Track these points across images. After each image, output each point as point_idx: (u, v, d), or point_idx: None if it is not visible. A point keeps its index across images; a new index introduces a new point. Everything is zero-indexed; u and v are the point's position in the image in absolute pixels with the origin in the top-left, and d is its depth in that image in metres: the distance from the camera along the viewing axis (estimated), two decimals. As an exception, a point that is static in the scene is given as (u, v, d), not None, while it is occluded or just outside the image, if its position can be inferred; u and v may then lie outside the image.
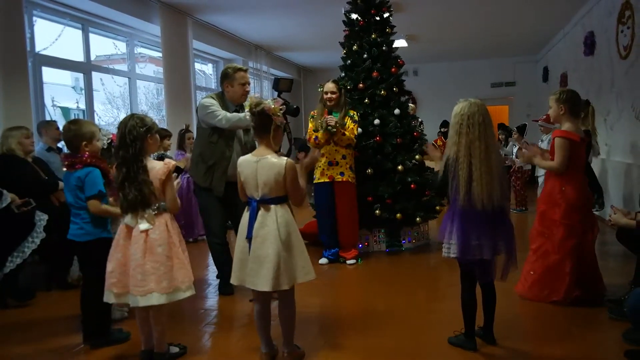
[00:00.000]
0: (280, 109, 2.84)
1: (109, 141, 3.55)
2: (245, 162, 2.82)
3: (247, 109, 2.90)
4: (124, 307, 3.64)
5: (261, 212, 2.75)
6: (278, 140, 2.89)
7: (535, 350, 3.03)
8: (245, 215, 2.82)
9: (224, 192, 4.04)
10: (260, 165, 2.75)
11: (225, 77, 4.09)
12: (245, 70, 4.14)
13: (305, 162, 2.95)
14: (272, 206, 2.75)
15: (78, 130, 3.15)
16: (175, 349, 3.02)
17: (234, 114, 3.96)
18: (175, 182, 2.93)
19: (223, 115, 3.90)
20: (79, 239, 3.14)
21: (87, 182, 3.06)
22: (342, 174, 4.97)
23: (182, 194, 6.19)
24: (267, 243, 2.70)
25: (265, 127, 2.80)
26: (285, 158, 2.79)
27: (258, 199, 2.76)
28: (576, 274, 3.64)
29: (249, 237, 2.74)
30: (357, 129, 5.02)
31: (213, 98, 4.08)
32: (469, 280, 2.97)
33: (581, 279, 3.67)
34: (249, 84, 4.15)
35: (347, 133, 4.88)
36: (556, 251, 3.67)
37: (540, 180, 5.88)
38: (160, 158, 4.69)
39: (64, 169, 3.21)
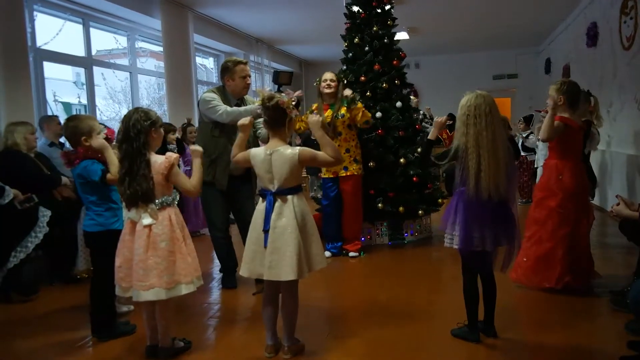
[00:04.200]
0: (293, 101, 2.86)
1: (103, 137, 3.54)
2: (258, 156, 2.83)
3: (258, 103, 2.90)
4: (129, 303, 3.67)
5: (278, 203, 2.76)
6: (290, 132, 2.92)
7: (538, 341, 3.04)
8: (260, 207, 2.83)
9: (227, 185, 4.04)
10: (274, 157, 2.76)
11: (226, 70, 4.07)
12: (245, 63, 4.11)
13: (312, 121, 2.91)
14: (289, 197, 2.77)
15: (76, 127, 3.15)
16: (180, 344, 3.02)
17: (234, 108, 3.95)
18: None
19: (223, 110, 3.89)
20: (89, 229, 3.15)
21: (90, 174, 3.07)
22: (345, 168, 4.97)
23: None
24: (287, 233, 2.71)
25: (279, 121, 2.81)
26: (298, 148, 2.80)
27: (274, 190, 2.77)
28: (568, 261, 3.68)
29: (267, 230, 2.74)
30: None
31: (214, 92, 4.06)
32: (471, 272, 2.98)
33: (572, 266, 3.70)
34: (249, 76, 4.14)
35: (359, 115, 4.88)
36: (549, 239, 3.72)
37: (539, 170, 5.89)
38: (163, 152, 4.71)
39: (66, 167, 3.23)
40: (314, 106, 5.07)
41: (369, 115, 4.97)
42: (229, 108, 3.92)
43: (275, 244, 2.72)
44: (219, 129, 4.00)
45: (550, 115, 3.66)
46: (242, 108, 3.90)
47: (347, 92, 4.88)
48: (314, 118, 2.90)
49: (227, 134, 4.01)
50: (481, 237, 2.81)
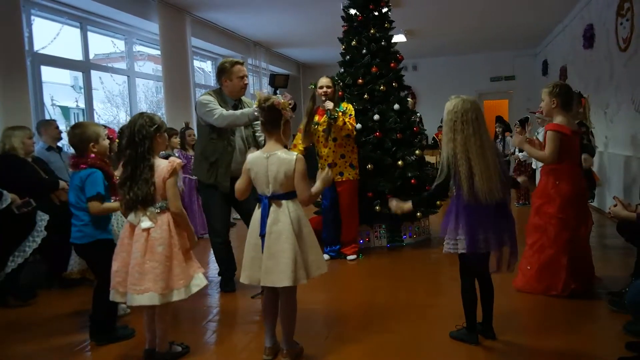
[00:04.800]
0: (290, 104, 2.85)
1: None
2: (256, 159, 2.82)
3: (255, 105, 2.89)
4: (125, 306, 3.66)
5: (273, 208, 2.76)
6: (287, 135, 2.89)
7: (536, 343, 3.04)
8: (257, 213, 2.82)
9: (230, 187, 4.03)
10: (270, 161, 2.76)
11: (223, 72, 4.05)
12: (242, 63, 4.10)
13: (319, 185, 2.88)
14: (284, 202, 2.76)
15: (83, 134, 3.15)
16: (177, 348, 3.02)
17: (230, 112, 3.92)
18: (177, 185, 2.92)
19: (219, 114, 3.86)
20: (78, 242, 3.15)
21: (88, 183, 3.06)
22: (341, 174, 4.97)
23: (183, 192, 6.19)
24: (282, 238, 2.70)
25: (275, 122, 2.80)
26: (295, 153, 2.79)
27: (269, 195, 2.77)
28: (572, 268, 3.67)
29: (263, 234, 2.74)
30: (354, 121, 4.96)
31: (211, 95, 4.05)
32: (468, 274, 2.98)
33: (576, 272, 3.70)
34: (247, 76, 4.13)
35: (345, 121, 4.84)
36: (552, 245, 3.71)
37: (538, 172, 5.88)
38: (166, 157, 4.75)
39: (70, 169, 3.22)
40: (301, 126, 5.04)
41: (351, 127, 4.89)
42: (224, 111, 3.89)
43: (271, 249, 2.71)
44: (216, 132, 3.99)
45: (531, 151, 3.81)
46: (239, 111, 3.89)
47: (329, 105, 4.80)
48: (327, 176, 2.88)
49: (225, 136, 4.01)
50: (485, 239, 2.81)
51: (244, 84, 4.09)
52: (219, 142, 4.00)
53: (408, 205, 3.03)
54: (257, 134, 4.11)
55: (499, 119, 9.33)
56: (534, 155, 3.84)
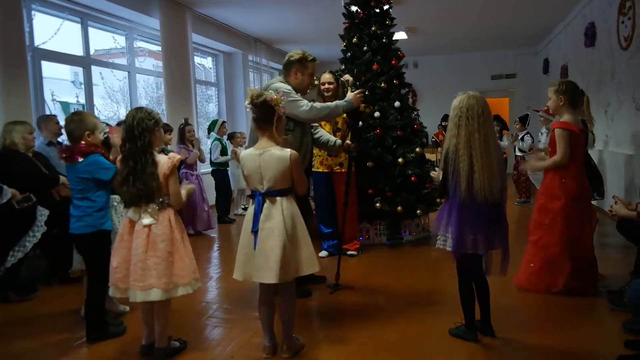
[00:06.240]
0: (282, 99, 2.83)
1: (105, 135, 3.54)
2: (249, 156, 2.81)
3: (247, 102, 2.88)
4: (125, 303, 3.66)
5: (267, 204, 2.75)
6: (280, 131, 2.87)
7: (535, 341, 3.05)
8: (250, 209, 2.82)
9: None
10: (264, 158, 2.74)
11: (297, 63, 3.85)
12: (315, 61, 3.97)
13: None
14: (278, 198, 2.75)
15: (81, 121, 3.14)
16: (175, 344, 3.02)
17: (324, 104, 3.83)
18: (189, 187, 2.95)
19: (309, 105, 3.65)
20: (78, 232, 3.13)
21: (97, 169, 3.05)
22: (341, 164, 4.95)
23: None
24: (273, 235, 2.70)
25: (267, 119, 2.78)
26: (289, 150, 2.78)
27: (263, 191, 2.76)
28: (574, 266, 3.66)
29: (255, 230, 2.74)
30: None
31: (283, 83, 3.81)
32: (464, 272, 2.98)
33: (578, 270, 3.69)
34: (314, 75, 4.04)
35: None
36: (556, 243, 3.69)
37: (541, 172, 5.87)
38: (162, 152, 4.72)
39: (62, 162, 3.20)
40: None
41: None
42: (316, 103, 3.76)
43: (262, 245, 2.71)
44: (292, 122, 3.75)
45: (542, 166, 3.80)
46: (333, 104, 3.82)
47: (347, 77, 4.82)
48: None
49: (301, 127, 3.83)
50: (474, 241, 2.81)
51: (311, 82, 3.98)
52: (295, 133, 3.77)
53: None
54: (316, 136, 4.03)
55: (496, 118, 9.31)
56: (548, 165, 3.73)
